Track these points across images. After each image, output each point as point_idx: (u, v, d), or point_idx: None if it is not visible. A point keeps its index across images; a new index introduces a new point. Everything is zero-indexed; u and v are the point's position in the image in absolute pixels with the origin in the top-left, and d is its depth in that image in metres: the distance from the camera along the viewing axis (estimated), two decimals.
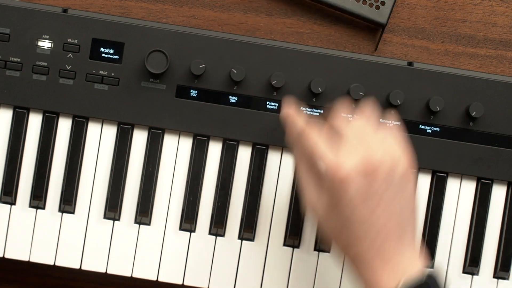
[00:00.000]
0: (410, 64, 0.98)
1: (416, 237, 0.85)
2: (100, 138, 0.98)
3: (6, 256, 0.97)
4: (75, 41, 0.96)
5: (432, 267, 0.98)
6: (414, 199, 0.86)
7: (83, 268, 0.98)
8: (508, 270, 0.99)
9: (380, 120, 0.96)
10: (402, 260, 0.83)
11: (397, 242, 0.83)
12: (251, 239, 0.98)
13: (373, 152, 0.83)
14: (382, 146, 0.84)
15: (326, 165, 0.83)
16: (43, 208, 0.98)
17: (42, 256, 0.97)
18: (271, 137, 0.97)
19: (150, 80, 0.97)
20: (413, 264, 0.83)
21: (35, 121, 0.98)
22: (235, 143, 0.98)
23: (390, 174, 0.83)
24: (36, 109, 0.97)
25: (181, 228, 0.98)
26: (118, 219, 0.98)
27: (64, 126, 0.98)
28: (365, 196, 0.82)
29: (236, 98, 0.97)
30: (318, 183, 0.86)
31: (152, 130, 0.98)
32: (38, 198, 0.97)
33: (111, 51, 0.97)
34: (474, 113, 0.96)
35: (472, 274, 0.99)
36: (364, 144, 0.84)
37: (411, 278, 0.81)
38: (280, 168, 0.98)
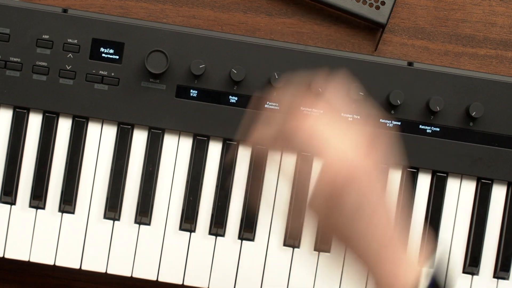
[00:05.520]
0: (410, 64, 0.98)
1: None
2: (100, 138, 0.98)
3: (6, 256, 0.97)
4: (75, 41, 0.96)
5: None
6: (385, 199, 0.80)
7: (83, 268, 0.98)
8: (508, 270, 0.99)
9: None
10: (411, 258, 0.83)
11: (403, 239, 0.83)
12: (251, 239, 0.98)
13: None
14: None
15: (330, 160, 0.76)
16: (43, 208, 0.98)
17: (42, 256, 0.97)
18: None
19: (150, 80, 0.97)
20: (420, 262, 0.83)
21: (35, 121, 0.98)
22: (235, 143, 0.98)
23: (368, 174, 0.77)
24: (36, 109, 0.97)
25: (181, 228, 0.98)
26: (118, 219, 0.98)
27: (64, 126, 0.98)
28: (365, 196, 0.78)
29: (236, 98, 0.97)
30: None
31: (152, 130, 0.98)
32: (38, 198, 0.97)
33: (111, 51, 0.97)
34: (474, 113, 0.96)
35: (472, 274, 0.99)
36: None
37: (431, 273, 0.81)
38: (279, 168, 0.98)
